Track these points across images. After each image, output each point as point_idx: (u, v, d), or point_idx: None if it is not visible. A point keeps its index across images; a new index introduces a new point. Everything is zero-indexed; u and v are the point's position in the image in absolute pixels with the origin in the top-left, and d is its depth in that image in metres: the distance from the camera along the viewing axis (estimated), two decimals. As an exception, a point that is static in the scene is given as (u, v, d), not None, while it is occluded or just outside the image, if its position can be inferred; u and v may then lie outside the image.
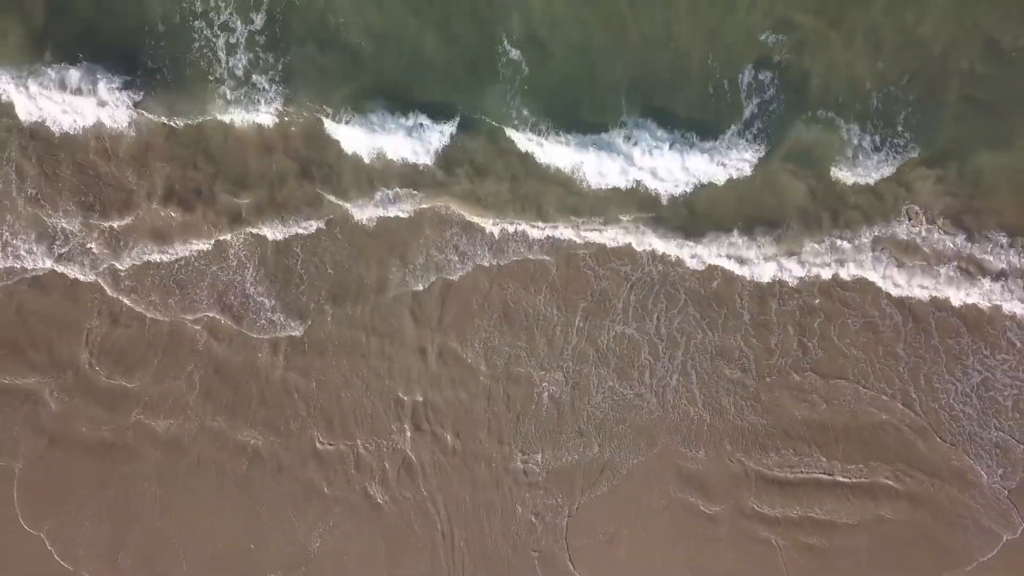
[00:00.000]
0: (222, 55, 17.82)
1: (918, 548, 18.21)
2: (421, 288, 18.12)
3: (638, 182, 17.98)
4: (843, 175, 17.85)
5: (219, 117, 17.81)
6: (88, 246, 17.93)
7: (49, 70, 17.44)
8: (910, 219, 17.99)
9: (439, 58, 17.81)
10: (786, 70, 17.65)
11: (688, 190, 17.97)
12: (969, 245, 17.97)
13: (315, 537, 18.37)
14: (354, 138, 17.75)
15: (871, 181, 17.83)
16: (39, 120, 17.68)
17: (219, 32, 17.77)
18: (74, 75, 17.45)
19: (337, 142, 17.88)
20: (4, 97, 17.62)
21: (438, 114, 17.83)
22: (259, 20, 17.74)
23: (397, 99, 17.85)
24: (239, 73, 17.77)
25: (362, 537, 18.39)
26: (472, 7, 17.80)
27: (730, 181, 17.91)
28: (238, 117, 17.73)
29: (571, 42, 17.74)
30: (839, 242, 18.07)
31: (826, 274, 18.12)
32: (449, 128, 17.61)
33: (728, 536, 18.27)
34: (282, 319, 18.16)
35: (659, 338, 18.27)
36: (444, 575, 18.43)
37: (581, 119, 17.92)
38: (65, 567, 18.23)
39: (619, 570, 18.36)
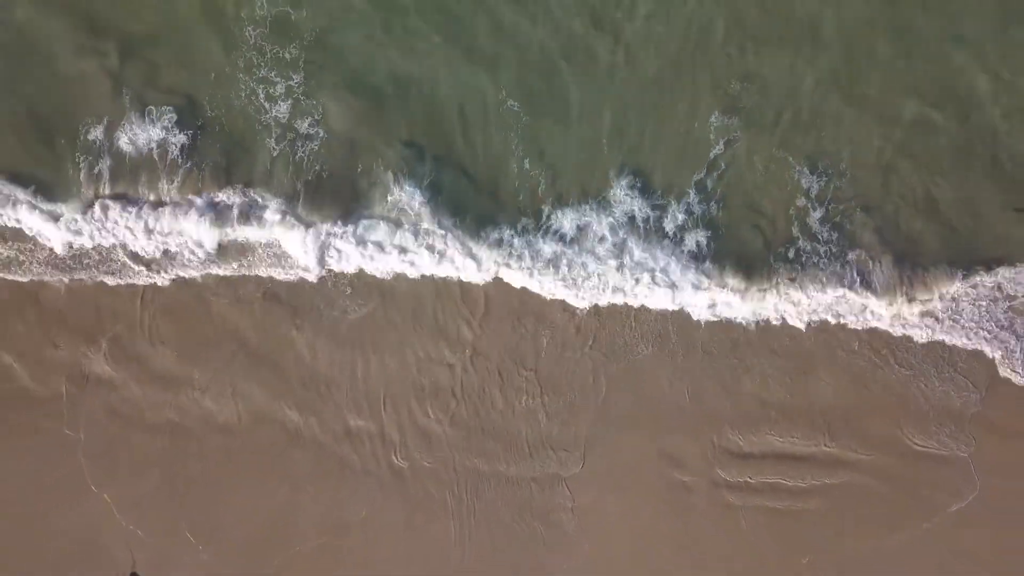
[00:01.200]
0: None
1: (872, 508, 21.47)
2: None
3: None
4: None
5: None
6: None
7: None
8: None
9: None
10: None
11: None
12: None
13: (344, 503, 21.32)
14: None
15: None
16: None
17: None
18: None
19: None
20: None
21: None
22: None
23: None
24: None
25: (385, 502, 21.37)
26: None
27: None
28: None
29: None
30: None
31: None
32: None
33: (701, 502, 21.48)
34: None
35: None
36: (456, 534, 21.42)
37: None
38: (126, 527, 21.00)
39: (610, 532, 21.46)
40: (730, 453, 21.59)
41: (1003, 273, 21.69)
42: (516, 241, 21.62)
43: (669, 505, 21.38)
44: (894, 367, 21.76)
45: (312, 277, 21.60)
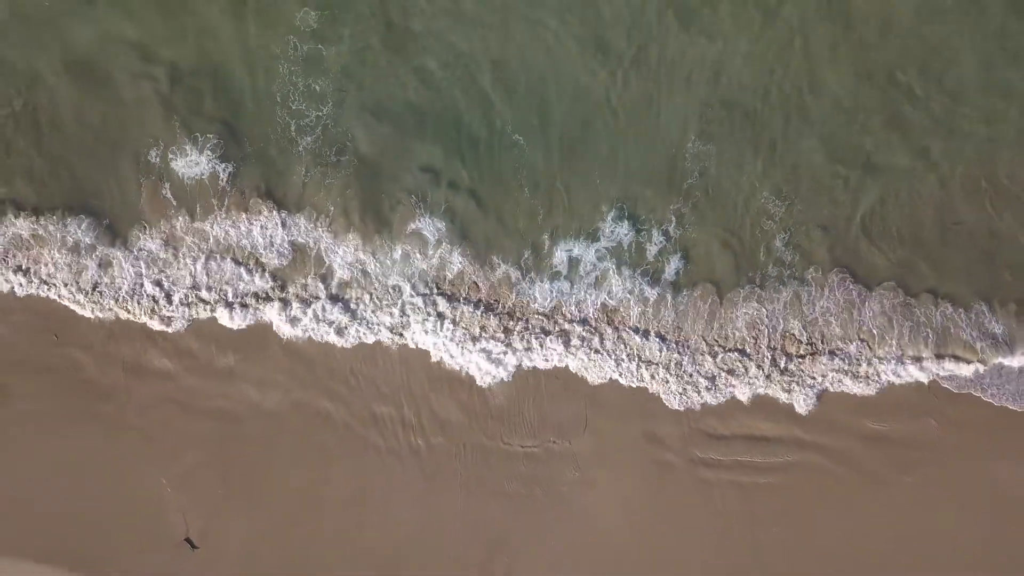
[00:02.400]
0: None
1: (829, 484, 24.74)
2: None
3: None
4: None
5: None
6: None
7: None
8: None
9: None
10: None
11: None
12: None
13: (366, 477, 24.62)
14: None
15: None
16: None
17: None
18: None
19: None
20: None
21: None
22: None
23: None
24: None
25: (404, 476, 24.68)
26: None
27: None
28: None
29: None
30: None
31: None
32: None
33: (680, 477, 24.73)
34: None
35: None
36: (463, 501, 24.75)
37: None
38: (180, 499, 24.33)
39: (600, 501, 24.72)
40: (706, 435, 24.92)
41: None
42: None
43: (652, 478, 24.65)
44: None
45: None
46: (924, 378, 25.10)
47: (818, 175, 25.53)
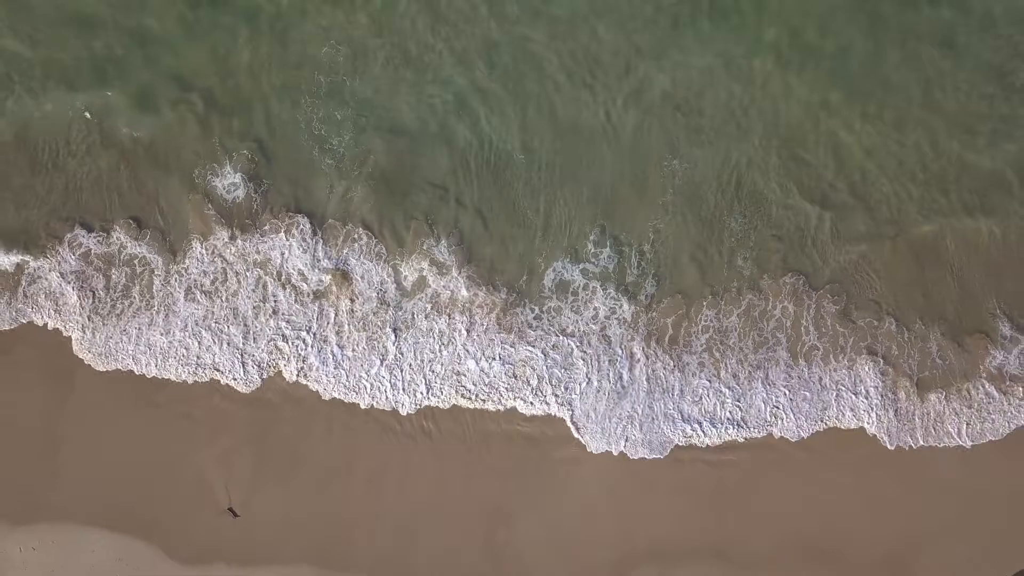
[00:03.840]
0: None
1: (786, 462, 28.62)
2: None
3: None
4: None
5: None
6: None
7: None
8: None
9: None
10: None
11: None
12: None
13: (385, 456, 28.42)
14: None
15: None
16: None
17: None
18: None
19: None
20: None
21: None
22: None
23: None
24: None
25: (418, 455, 28.52)
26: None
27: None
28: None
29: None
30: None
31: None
32: None
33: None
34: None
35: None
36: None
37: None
38: (223, 474, 28.10)
39: (589, 473, 28.57)
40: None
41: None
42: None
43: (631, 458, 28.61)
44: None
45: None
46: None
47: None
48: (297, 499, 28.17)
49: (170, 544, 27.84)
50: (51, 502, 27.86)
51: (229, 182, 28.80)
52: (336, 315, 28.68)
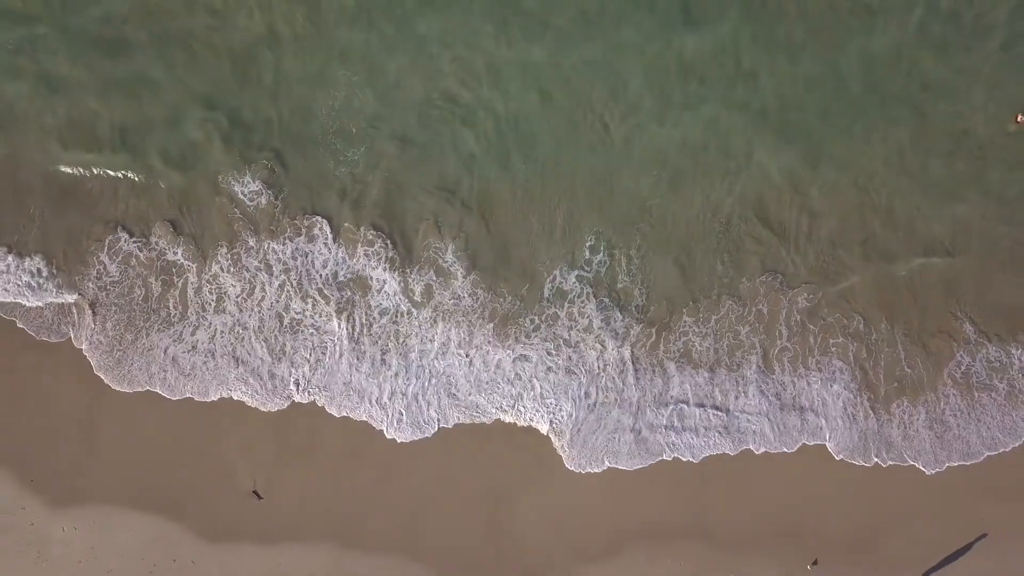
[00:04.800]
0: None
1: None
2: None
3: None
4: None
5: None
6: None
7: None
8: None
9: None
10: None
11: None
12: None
13: (395, 447, 30.91)
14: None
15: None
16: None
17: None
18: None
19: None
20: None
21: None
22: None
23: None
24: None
25: (427, 444, 31.05)
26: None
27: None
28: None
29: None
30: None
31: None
32: None
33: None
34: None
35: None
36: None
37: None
38: (249, 460, 30.64)
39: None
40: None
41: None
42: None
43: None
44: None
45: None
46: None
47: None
48: (316, 483, 30.68)
49: (199, 524, 30.43)
50: (90, 487, 30.41)
51: (250, 189, 31.02)
52: (350, 327, 31.14)
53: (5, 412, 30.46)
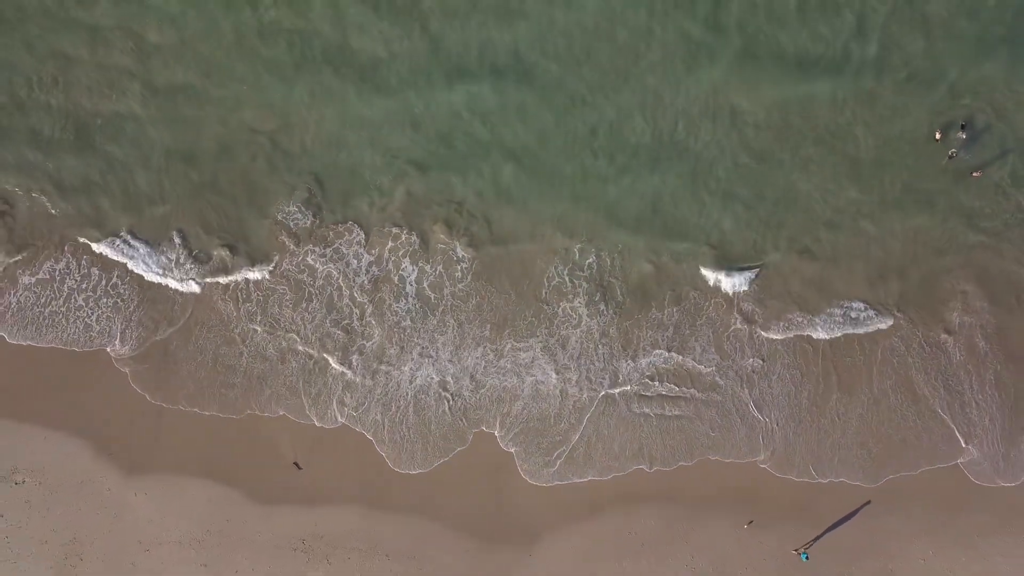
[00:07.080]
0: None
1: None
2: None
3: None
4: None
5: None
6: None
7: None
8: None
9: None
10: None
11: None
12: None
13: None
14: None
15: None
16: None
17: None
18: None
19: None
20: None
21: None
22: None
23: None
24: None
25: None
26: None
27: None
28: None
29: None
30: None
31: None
32: None
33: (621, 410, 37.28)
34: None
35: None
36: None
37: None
38: (291, 437, 36.49)
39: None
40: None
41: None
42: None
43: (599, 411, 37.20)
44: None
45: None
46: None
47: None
48: (346, 457, 36.54)
49: (249, 490, 36.04)
50: (156, 457, 36.10)
51: (293, 209, 37.29)
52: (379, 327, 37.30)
53: (87, 395, 36.33)
